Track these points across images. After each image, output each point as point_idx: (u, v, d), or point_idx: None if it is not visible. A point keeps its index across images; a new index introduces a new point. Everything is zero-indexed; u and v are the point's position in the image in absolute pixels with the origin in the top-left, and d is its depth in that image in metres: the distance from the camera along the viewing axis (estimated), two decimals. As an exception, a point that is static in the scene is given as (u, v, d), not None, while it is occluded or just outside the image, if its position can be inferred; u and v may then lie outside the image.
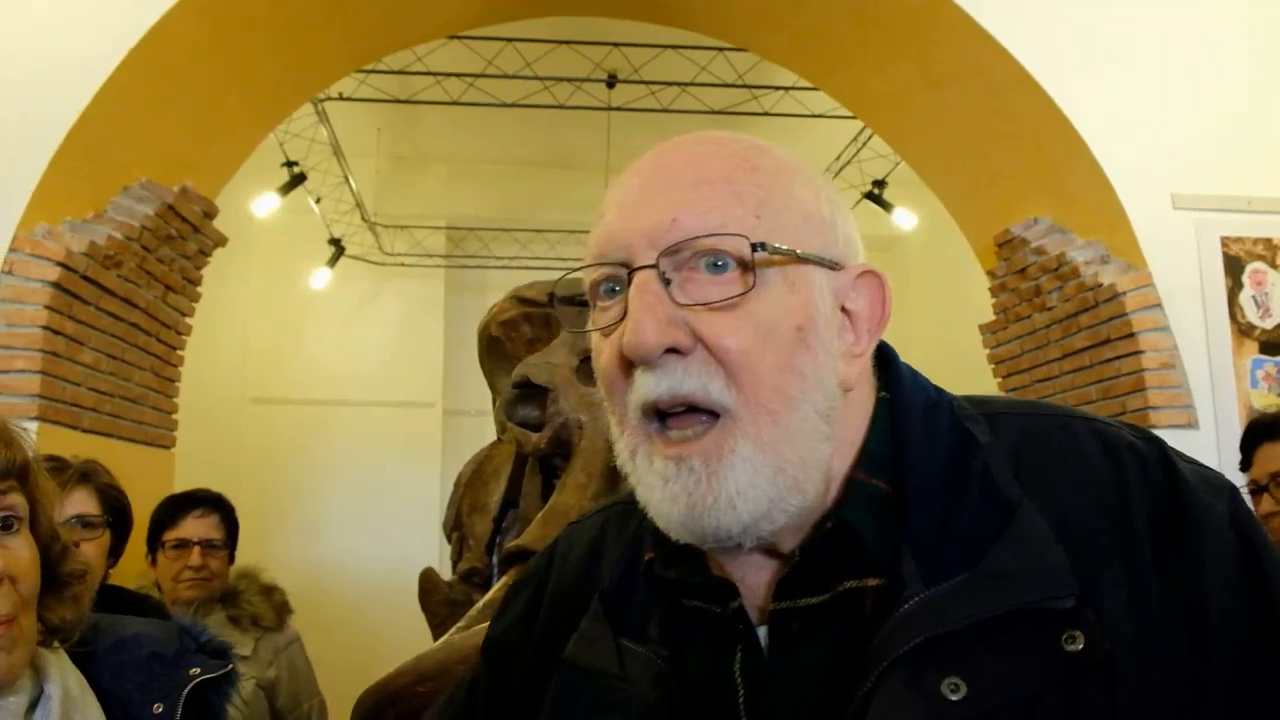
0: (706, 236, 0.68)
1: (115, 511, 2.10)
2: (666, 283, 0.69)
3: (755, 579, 0.74)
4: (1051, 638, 0.63)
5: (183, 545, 2.53)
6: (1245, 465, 2.28)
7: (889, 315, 0.76)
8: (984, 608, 0.64)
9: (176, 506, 2.61)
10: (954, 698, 0.62)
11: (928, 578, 0.66)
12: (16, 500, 1.03)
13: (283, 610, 2.70)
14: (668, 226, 0.69)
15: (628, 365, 0.70)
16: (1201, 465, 0.75)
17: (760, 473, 0.68)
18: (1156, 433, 2.79)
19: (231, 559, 2.67)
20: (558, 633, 0.82)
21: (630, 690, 0.73)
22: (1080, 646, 0.63)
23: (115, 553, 2.13)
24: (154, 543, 2.57)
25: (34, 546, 1.06)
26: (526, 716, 0.82)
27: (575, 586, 0.86)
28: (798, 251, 0.70)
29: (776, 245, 0.68)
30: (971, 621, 0.64)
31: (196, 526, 2.56)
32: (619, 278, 0.71)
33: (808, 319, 0.70)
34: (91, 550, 2.00)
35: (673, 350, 0.68)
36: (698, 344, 0.68)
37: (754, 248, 0.68)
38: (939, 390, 0.79)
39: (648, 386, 0.69)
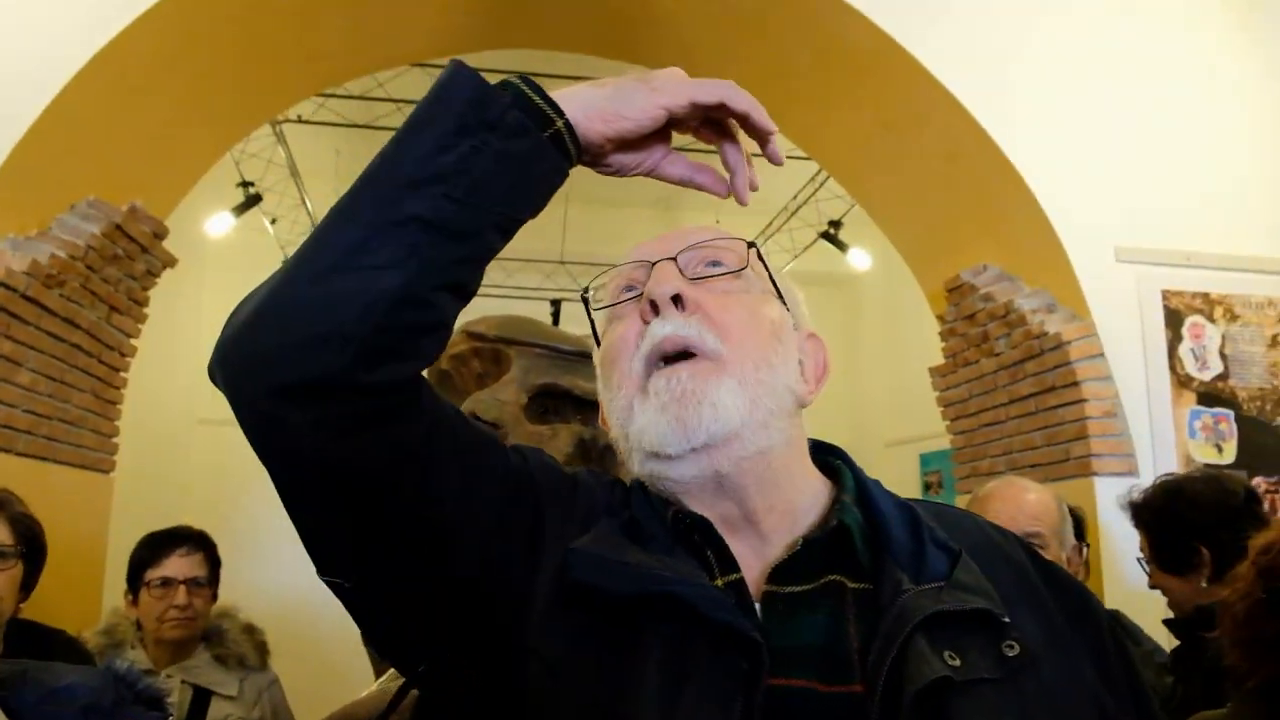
0: (714, 239, 0.92)
1: (28, 542, 2.03)
2: (681, 271, 0.89)
3: (748, 564, 0.85)
4: (998, 641, 0.79)
5: (167, 584, 2.47)
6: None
7: (829, 373, 0.96)
8: (963, 602, 0.80)
9: (159, 544, 2.54)
10: (953, 663, 0.76)
11: (917, 579, 0.82)
12: None
13: (263, 650, 2.66)
14: (684, 238, 0.91)
15: (641, 325, 0.87)
16: None
17: (738, 400, 0.83)
18: (1099, 479, 2.83)
19: (214, 597, 2.62)
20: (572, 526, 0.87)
21: (680, 576, 0.80)
22: (1015, 653, 0.79)
23: (27, 585, 2.06)
24: (135, 581, 2.51)
25: None
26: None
27: (600, 498, 0.91)
28: (776, 285, 0.93)
29: (765, 261, 0.93)
30: (961, 609, 0.79)
31: (181, 565, 2.50)
32: (639, 279, 0.91)
33: (780, 324, 0.90)
34: (3, 582, 1.93)
35: (679, 304, 0.86)
36: (700, 310, 0.86)
37: (749, 244, 0.92)
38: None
39: (655, 329, 0.86)
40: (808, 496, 0.89)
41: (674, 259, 0.89)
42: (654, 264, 0.89)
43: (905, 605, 0.79)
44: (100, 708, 1.13)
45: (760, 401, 0.84)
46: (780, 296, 0.93)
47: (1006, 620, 0.81)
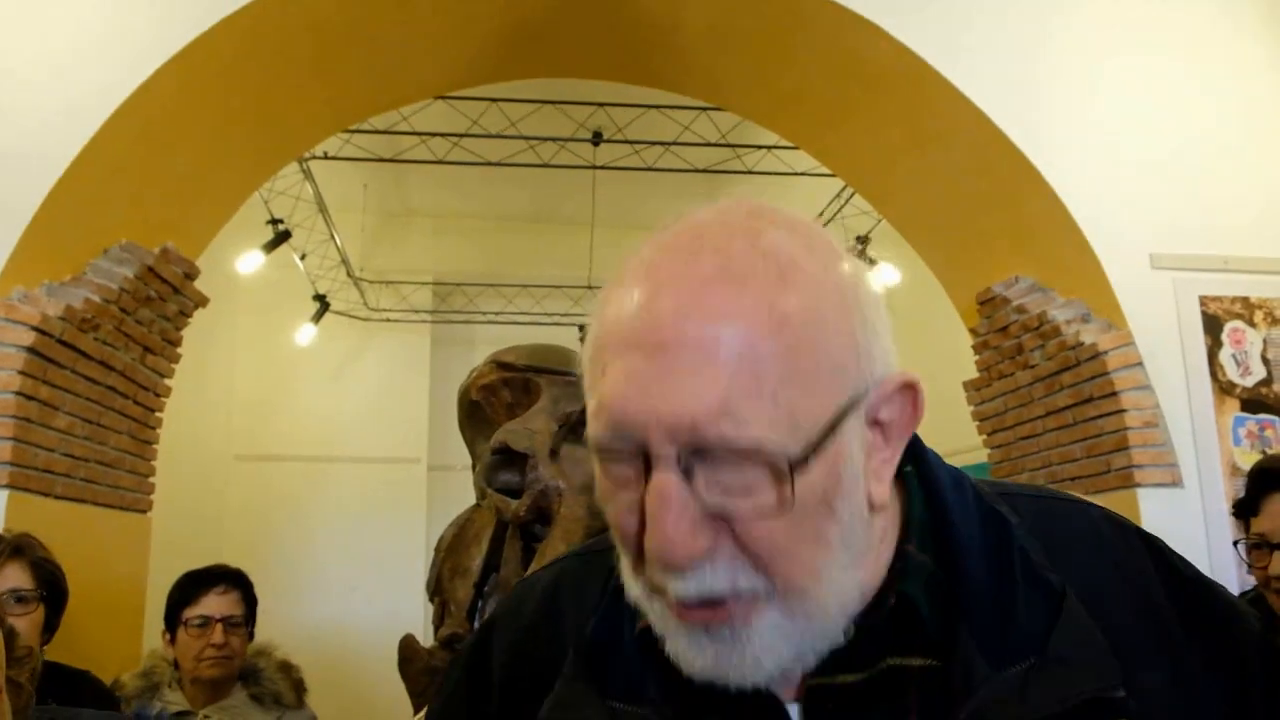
0: (735, 448, 0.61)
1: (49, 585, 2.08)
2: (688, 473, 0.62)
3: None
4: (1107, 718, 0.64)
5: (204, 623, 2.49)
6: (1249, 511, 2.02)
7: (921, 416, 0.71)
8: (1057, 696, 0.64)
9: (196, 583, 2.56)
10: None
11: (994, 661, 0.66)
12: None
13: (300, 688, 2.66)
14: (688, 424, 0.61)
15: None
16: None
17: (788, 637, 0.65)
18: (1141, 491, 2.69)
19: (251, 636, 2.63)
20: (520, 698, 0.77)
21: None
22: None
23: (50, 627, 2.09)
24: (172, 620, 2.53)
25: None
26: None
27: (533, 646, 0.80)
28: (826, 425, 0.63)
29: (810, 443, 0.62)
30: (1053, 710, 0.64)
31: (218, 603, 2.52)
32: (623, 451, 0.65)
33: (834, 483, 0.64)
34: (25, 625, 1.97)
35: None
36: (730, 543, 0.63)
37: (791, 466, 0.61)
38: (955, 468, 0.77)
39: (674, 586, 0.64)
40: (883, 554, 0.71)
41: (679, 468, 0.62)
42: (649, 464, 0.63)
43: (980, 705, 0.64)
44: None
45: (813, 623, 0.66)
46: (837, 421, 0.64)
47: (1121, 695, 0.65)
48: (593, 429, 0.66)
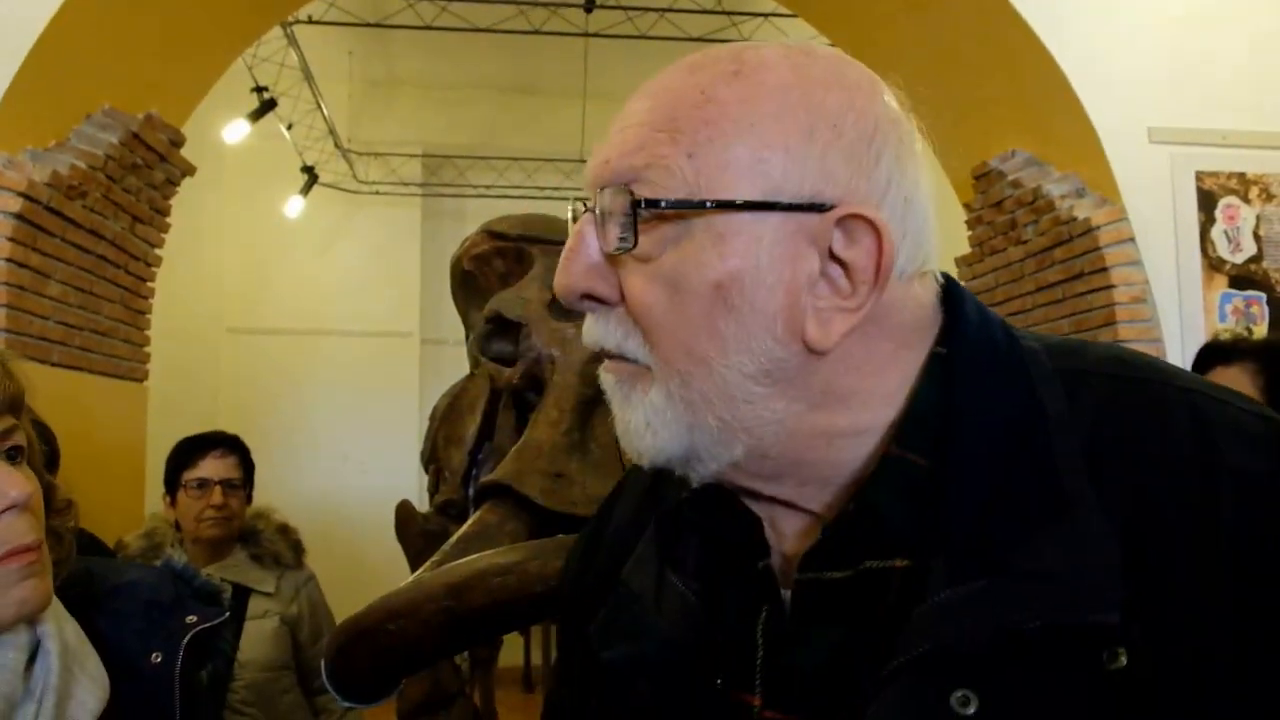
0: (634, 155, 0.64)
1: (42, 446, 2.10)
2: (603, 219, 0.65)
3: (791, 542, 0.70)
4: (1089, 655, 0.56)
5: (203, 485, 2.56)
6: None
7: (890, 267, 0.62)
8: (1004, 620, 0.57)
9: (195, 447, 2.63)
10: (965, 711, 0.56)
11: (953, 575, 0.59)
12: (19, 433, 1.01)
13: (298, 549, 2.75)
14: (601, 165, 0.66)
15: None
16: None
17: (673, 422, 0.65)
18: None
19: (249, 499, 2.70)
20: (618, 561, 0.81)
21: (656, 620, 0.73)
22: (1123, 664, 0.55)
23: None
24: (172, 483, 2.60)
25: (35, 478, 1.03)
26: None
27: (636, 516, 0.83)
28: (721, 201, 0.61)
29: (691, 199, 0.62)
30: (986, 636, 0.57)
31: (216, 466, 2.59)
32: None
33: (731, 276, 0.61)
34: None
35: (597, 299, 0.67)
36: (622, 300, 0.66)
37: (634, 205, 0.63)
38: (1012, 338, 0.68)
39: (586, 330, 0.70)
40: (865, 446, 0.66)
41: (595, 210, 0.65)
42: (586, 207, 0.67)
43: (912, 626, 0.60)
44: (161, 604, 1.15)
45: (701, 419, 0.64)
46: (745, 206, 0.62)
47: (1114, 621, 0.56)
48: None
